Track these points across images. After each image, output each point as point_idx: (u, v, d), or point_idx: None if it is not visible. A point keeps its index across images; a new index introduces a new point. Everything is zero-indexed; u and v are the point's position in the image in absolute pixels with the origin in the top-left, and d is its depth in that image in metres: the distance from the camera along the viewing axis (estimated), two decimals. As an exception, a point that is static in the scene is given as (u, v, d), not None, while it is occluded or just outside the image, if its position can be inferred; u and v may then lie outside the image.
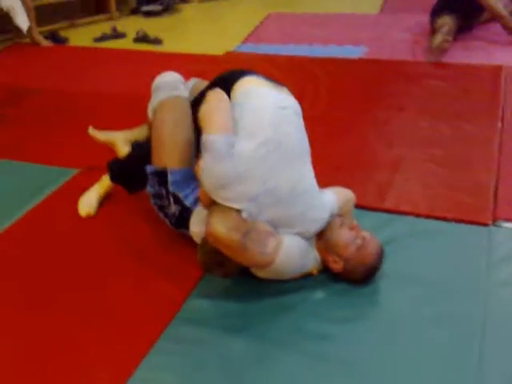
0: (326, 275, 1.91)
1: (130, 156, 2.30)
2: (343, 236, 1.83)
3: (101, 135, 2.43)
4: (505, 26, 4.08)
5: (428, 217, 2.22)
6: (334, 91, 3.39)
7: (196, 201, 1.98)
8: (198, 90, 2.17)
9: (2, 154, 2.86)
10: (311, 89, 3.34)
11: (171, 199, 1.99)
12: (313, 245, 1.86)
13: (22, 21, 4.04)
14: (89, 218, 2.33)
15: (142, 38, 4.58)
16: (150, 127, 2.16)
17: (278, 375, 1.60)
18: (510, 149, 2.70)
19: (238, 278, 1.92)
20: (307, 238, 1.84)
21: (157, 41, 4.54)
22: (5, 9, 4.03)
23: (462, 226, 2.17)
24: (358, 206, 2.12)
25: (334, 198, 1.90)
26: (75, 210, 2.35)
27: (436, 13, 4.21)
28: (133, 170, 2.22)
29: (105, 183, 2.39)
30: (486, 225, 2.15)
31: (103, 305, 1.88)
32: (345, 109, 3.18)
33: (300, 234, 1.81)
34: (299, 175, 1.82)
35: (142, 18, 5.24)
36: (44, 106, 3.43)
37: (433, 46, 3.86)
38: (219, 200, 1.73)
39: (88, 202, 2.37)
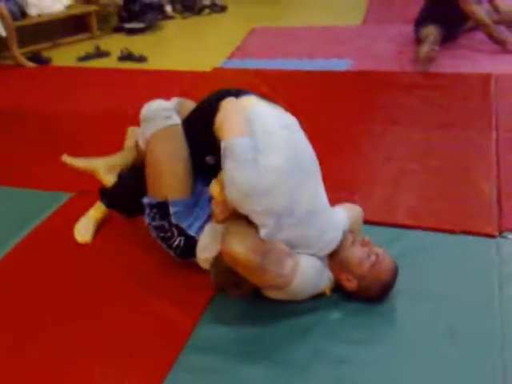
0: (339, 294, 1.87)
1: (119, 186, 2.19)
2: (356, 253, 1.79)
3: (78, 162, 2.30)
4: (489, 35, 4.11)
5: (434, 230, 2.20)
6: (326, 105, 3.37)
7: (200, 228, 1.93)
8: (186, 110, 2.08)
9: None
10: (303, 103, 3.31)
11: (175, 231, 1.93)
12: (325, 264, 1.82)
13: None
14: (86, 244, 2.25)
15: (127, 57, 4.52)
16: (140, 155, 2.07)
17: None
18: (508, 157, 2.69)
19: (247, 300, 1.86)
20: (321, 258, 1.79)
21: (142, 59, 4.50)
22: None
23: (469, 238, 2.14)
24: (363, 222, 2.08)
25: (344, 215, 1.87)
26: (72, 235, 2.28)
27: (420, 23, 4.24)
28: (126, 200, 2.14)
29: (100, 208, 2.31)
30: (493, 236, 2.13)
31: (109, 335, 1.81)
32: (339, 122, 3.16)
33: (314, 254, 1.77)
34: (316, 194, 1.79)
35: (125, 36, 5.19)
36: (29, 128, 3.35)
37: (420, 56, 3.87)
38: (245, 211, 1.68)
39: (84, 229, 2.29)
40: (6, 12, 4.28)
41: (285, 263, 1.69)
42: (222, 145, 1.75)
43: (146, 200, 1.98)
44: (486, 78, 3.57)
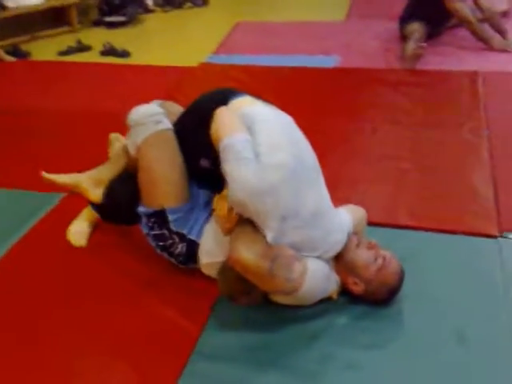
0: (345, 298, 1.86)
1: (111, 199, 2.07)
2: (362, 256, 1.78)
3: (59, 178, 2.19)
4: (473, 32, 4.13)
5: (434, 231, 2.20)
6: (316, 102, 3.35)
7: (200, 230, 1.89)
8: (170, 113, 2.02)
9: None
10: (293, 100, 3.28)
11: (176, 238, 1.88)
12: (331, 267, 1.80)
13: None
14: (82, 248, 2.19)
15: (110, 51, 4.42)
16: (131, 162, 2.00)
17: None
18: (501, 155, 2.71)
19: (253, 306, 1.83)
20: (327, 261, 1.78)
21: (125, 53, 4.40)
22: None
23: (470, 238, 2.15)
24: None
25: (349, 217, 1.86)
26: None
27: (405, 20, 4.24)
28: (121, 211, 2.06)
29: (94, 210, 2.25)
30: (494, 237, 2.14)
31: (112, 343, 1.77)
32: (330, 119, 3.14)
33: (320, 257, 1.75)
34: (320, 195, 1.77)
35: (106, 30, 5.07)
36: (10, 126, 3.24)
37: (407, 54, 3.87)
38: (251, 214, 1.65)
39: (79, 232, 2.22)
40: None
41: (293, 268, 1.67)
42: (221, 146, 1.71)
43: (141, 209, 1.92)
44: (472, 76, 3.59)
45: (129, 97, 3.44)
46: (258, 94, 2.00)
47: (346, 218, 1.86)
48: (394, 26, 4.40)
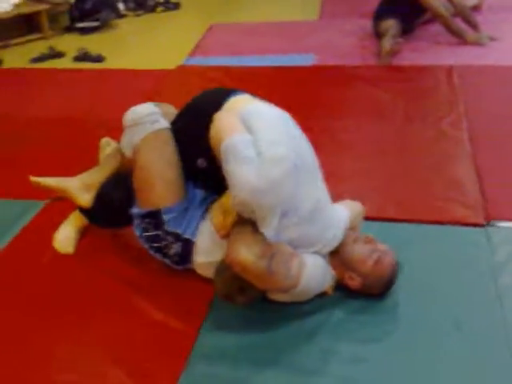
0: (340, 292, 1.86)
1: (102, 203, 2.04)
2: (359, 251, 1.78)
3: (47, 182, 2.15)
4: (447, 27, 4.19)
5: (421, 222, 2.22)
6: (299, 99, 3.34)
7: (195, 228, 1.87)
8: (168, 113, 2.00)
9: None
10: (275, 98, 3.26)
11: (171, 239, 1.86)
12: (327, 262, 1.80)
13: None
14: (71, 255, 2.15)
15: (84, 57, 4.37)
16: (125, 163, 1.99)
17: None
18: (482, 146, 2.75)
19: (249, 305, 1.82)
20: (323, 256, 1.77)
21: (99, 58, 4.35)
22: None
23: (459, 228, 2.18)
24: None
25: (346, 212, 1.86)
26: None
27: (379, 17, 4.28)
28: (113, 215, 2.04)
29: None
30: (481, 226, 2.17)
31: (109, 351, 1.73)
32: (314, 117, 3.14)
33: (317, 252, 1.75)
34: (318, 191, 1.76)
35: (78, 36, 5.00)
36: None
37: (384, 50, 3.90)
38: (251, 210, 1.63)
39: (65, 239, 2.18)
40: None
41: (291, 264, 1.66)
42: (222, 147, 1.70)
43: (135, 210, 1.90)
44: (448, 70, 3.63)
45: (111, 101, 3.42)
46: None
47: (343, 213, 1.86)
48: (367, 23, 4.43)
